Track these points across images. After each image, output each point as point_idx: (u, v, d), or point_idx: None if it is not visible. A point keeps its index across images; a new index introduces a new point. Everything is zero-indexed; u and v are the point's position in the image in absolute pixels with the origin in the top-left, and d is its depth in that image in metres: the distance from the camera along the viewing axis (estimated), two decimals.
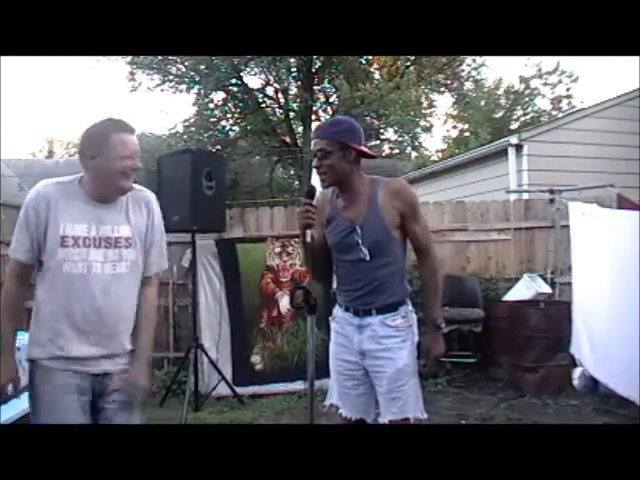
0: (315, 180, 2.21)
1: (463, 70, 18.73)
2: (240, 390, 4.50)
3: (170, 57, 14.93)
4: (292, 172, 20.31)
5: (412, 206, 2.11)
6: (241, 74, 16.54)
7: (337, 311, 2.23)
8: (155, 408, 4.28)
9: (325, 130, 2.12)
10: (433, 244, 2.20)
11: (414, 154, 19.43)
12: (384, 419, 2.09)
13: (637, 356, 3.54)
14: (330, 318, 2.27)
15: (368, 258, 2.05)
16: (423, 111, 18.51)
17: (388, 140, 18.63)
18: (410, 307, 2.16)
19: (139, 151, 1.92)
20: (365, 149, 2.14)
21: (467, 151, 11.20)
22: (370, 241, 2.05)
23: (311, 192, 2.12)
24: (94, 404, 1.94)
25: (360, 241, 2.05)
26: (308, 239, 2.05)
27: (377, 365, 2.10)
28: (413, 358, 2.11)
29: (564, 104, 20.42)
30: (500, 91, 21.87)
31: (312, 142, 2.12)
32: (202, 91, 16.22)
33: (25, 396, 3.30)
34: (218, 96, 17.23)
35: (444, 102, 42.46)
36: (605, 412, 4.02)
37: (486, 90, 20.89)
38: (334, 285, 2.25)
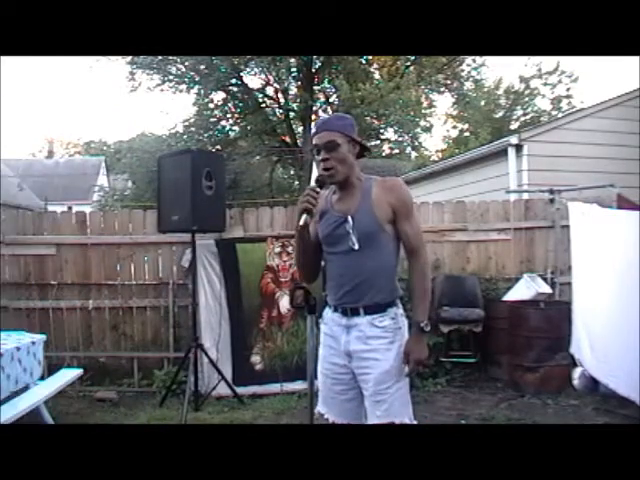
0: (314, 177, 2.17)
1: (463, 70, 18.75)
2: (240, 390, 4.50)
3: (170, 57, 14.94)
4: (292, 172, 20.33)
5: (405, 204, 2.09)
6: (241, 74, 16.55)
7: (326, 312, 2.21)
8: (155, 408, 4.29)
9: (333, 123, 2.11)
10: (424, 247, 2.16)
11: (414, 154, 19.45)
12: (369, 423, 2.06)
13: (637, 356, 3.54)
14: (320, 320, 2.23)
15: (357, 247, 2.04)
16: (423, 111, 18.52)
17: (388, 140, 18.65)
18: (401, 311, 2.13)
19: None
20: (365, 145, 2.18)
21: (467, 151, 11.19)
22: (361, 231, 2.05)
23: (322, 181, 2.08)
24: None
25: (351, 231, 2.05)
26: (301, 222, 2.03)
27: (363, 367, 2.07)
28: (401, 361, 2.07)
29: (564, 104, 20.48)
30: (500, 91, 21.89)
31: (317, 136, 2.06)
32: (202, 91, 16.25)
33: (25, 396, 3.31)
34: (218, 96, 17.27)
35: (444, 102, 42.58)
36: (605, 412, 4.02)
37: (486, 90, 20.90)
38: (326, 288, 2.23)
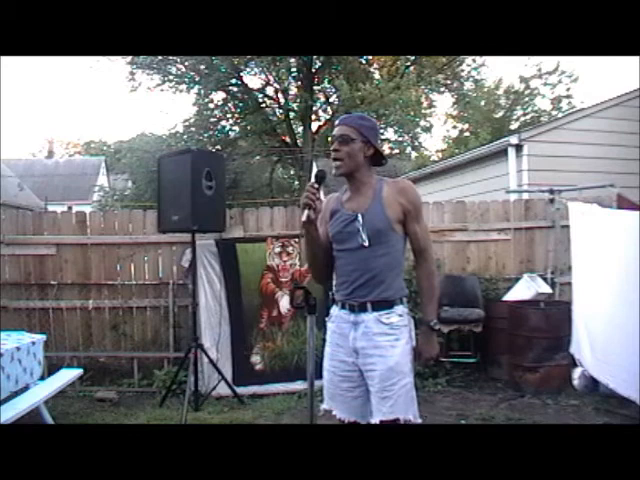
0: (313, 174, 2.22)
1: (463, 70, 18.77)
2: (240, 390, 4.50)
3: (170, 57, 14.95)
4: (292, 172, 20.36)
5: (415, 205, 2.16)
6: (241, 74, 16.57)
7: (334, 310, 2.24)
8: (155, 408, 4.29)
9: (353, 120, 2.20)
10: (431, 247, 2.24)
11: (414, 154, 19.46)
12: (375, 419, 2.07)
13: (637, 356, 3.54)
14: (327, 319, 2.26)
15: (367, 244, 2.09)
16: (423, 111, 18.56)
17: (388, 140, 18.66)
18: (407, 310, 2.16)
19: None
20: (382, 152, 2.24)
21: (467, 151, 11.19)
22: (371, 229, 2.10)
23: (320, 175, 2.12)
24: None
25: (361, 228, 2.10)
26: (303, 218, 2.06)
27: (369, 363, 2.09)
28: (407, 358, 2.09)
29: (564, 104, 20.48)
30: (500, 91, 21.90)
31: (336, 128, 2.18)
32: (202, 91, 16.26)
33: (25, 396, 3.30)
34: (218, 96, 17.28)
35: (444, 102, 42.59)
36: (605, 412, 4.02)
37: (486, 90, 20.91)
38: (333, 288, 2.25)
